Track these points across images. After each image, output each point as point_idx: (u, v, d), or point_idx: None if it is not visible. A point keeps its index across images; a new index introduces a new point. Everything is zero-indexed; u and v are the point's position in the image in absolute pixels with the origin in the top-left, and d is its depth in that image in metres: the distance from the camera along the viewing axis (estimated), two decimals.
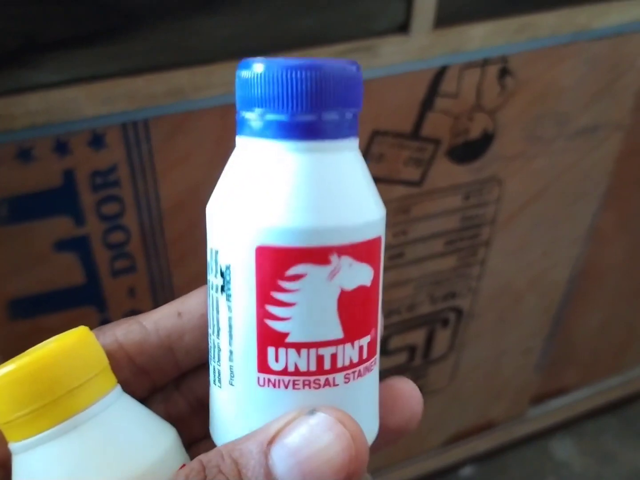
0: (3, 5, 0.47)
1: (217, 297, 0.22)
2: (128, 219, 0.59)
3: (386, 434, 0.24)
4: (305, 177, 0.20)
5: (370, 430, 0.23)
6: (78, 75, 0.51)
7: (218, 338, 0.22)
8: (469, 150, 0.72)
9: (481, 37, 0.64)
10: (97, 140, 0.53)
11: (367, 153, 0.64)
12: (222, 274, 0.21)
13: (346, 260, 0.20)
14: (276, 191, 0.20)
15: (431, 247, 0.79)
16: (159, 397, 0.26)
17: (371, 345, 0.22)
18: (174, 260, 0.63)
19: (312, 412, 0.20)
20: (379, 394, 0.24)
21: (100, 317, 0.63)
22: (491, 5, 0.65)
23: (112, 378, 0.23)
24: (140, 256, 0.61)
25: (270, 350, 0.21)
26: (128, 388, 0.23)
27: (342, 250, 0.20)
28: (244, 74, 0.21)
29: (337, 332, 0.21)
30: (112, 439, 0.21)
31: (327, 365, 0.21)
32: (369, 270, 0.21)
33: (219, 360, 0.22)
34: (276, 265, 0.20)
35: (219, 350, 0.22)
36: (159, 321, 0.25)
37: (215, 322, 0.22)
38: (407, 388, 0.25)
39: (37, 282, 0.59)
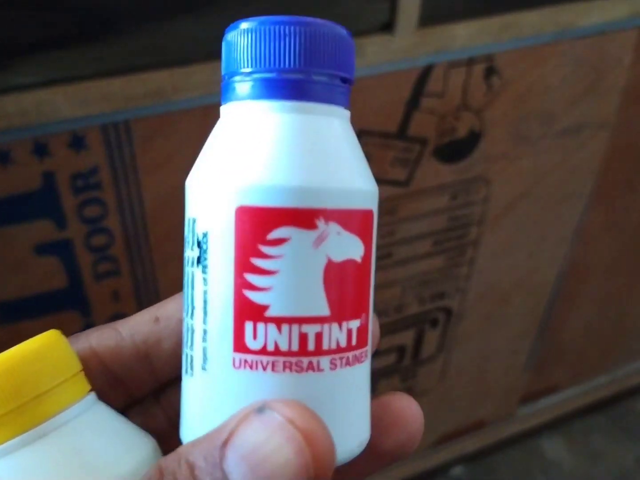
0: None
1: (192, 272, 0.20)
2: (111, 222, 0.58)
3: (381, 456, 0.22)
4: (292, 134, 0.19)
5: (360, 434, 0.21)
6: (55, 77, 0.50)
7: (192, 319, 0.20)
8: (456, 150, 0.72)
9: (466, 36, 0.63)
10: (77, 142, 0.52)
11: None
12: (199, 244, 0.19)
13: (334, 227, 0.19)
14: (259, 149, 0.19)
15: (419, 247, 0.78)
16: (137, 410, 0.25)
17: (361, 331, 0.20)
18: (158, 263, 0.62)
19: (261, 409, 0.17)
20: (373, 411, 0.22)
21: (84, 322, 0.62)
22: (475, 4, 0.65)
23: (85, 385, 0.21)
24: (124, 259, 0.61)
25: (248, 326, 0.19)
26: (103, 398, 0.22)
27: (330, 215, 0.19)
28: (231, 35, 0.20)
29: (323, 309, 0.19)
30: (82, 449, 0.19)
31: (311, 345, 0.19)
32: (360, 243, 0.19)
33: (192, 344, 0.20)
34: (257, 228, 0.18)
35: (192, 332, 0.20)
36: (135, 327, 0.23)
37: (189, 301, 0.20)
38: (406, 406, 0.22)
39: (18, 287, 0.58)
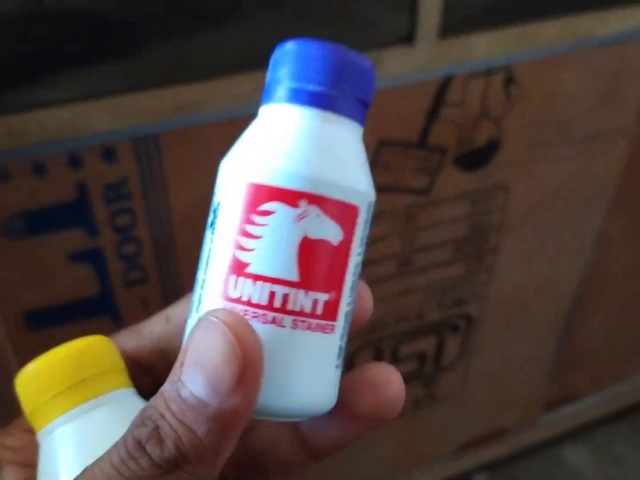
0: (15, 24, 0.49)
1: (206, 235, 0.24)
2: (140, 231, 0.60)
3: (357, 420, 0.24)
4: (307, 133, 0.23)
5: (318, 397, 0.23)
6: (89, 91, 0.52)
7: (198, 272, 0.24)
8: (475, 158, 0.73)
9: (485, 46, 0.65)
10: (109, 154, 0.54)
11: (373, 163, 0.64)
12: (214, 211, 0.23)
13: (314, 209, 0.22)
14: (274, 138, 0.23)
15: (439, 254, 0.79)
16: None
17: (329, 306, 0.23)
18: (185, 272, 0.64)
19: (199, 319, 0.21)
20: (350, 377, 0.24)
21: (114, 327, 0.64)
22: (494, 15, 0.66)
23: (127, 380, 0.26)
24: (152, 267, 0.62)
25: (232, 278, 0.22)
26: (136, 384, 0.26)
27: (313, 199, 0.22)
28: (278, 51, 0.24)
29: (293, 275, 0.22)
30: (120, 425, 0.22)
31: (277, 303, 0.22)
32: (338, 229, 0.22)
33: (194, 292, 0.24)
34: (253, 200, 0.22)
35: (196, 282, 0.24)
36: (151, 327, 0.28)
37: (200, 258, 0.24)
38: (382, 372, 0.24)
39: (52, 294, 0.60)
